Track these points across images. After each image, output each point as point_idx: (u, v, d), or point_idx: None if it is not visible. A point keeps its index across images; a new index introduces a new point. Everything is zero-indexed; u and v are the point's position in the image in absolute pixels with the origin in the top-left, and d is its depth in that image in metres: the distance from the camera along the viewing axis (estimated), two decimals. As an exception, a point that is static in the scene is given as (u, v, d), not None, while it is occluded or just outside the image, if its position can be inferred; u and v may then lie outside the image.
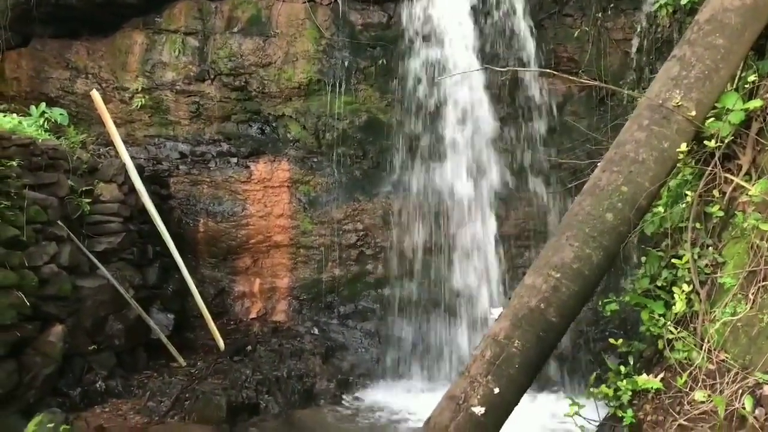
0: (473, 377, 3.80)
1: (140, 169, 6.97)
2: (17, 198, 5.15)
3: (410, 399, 6.37)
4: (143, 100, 8.04)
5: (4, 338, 4.83)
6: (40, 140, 5.80)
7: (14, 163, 5.19)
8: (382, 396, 6.54)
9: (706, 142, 3.58)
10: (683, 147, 3.52)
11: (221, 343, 6.89)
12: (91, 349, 5.83)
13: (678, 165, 3.67)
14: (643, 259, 4.00)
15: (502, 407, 3.72)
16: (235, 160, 7.91)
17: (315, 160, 7.95)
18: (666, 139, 3.65)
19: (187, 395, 5.74)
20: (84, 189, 6.21)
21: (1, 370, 4.79)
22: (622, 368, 3.74)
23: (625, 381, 3.60)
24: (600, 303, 4.23)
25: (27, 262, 5.17)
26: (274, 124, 8.08)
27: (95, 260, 6.08)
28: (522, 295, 3.87)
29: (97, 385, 5.73)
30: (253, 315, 7.72)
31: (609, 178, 3.87)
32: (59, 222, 5.76)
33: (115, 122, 7.20)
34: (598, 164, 3.95)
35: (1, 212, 4.90)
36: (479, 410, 3.69)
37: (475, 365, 3.86)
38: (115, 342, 6.09)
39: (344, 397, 6.43)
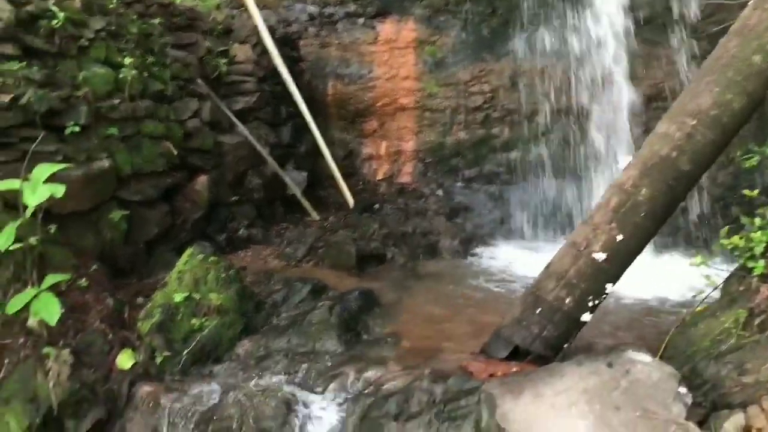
0: (596, 224, 3.80)
1: (271, 31, 7.14)
2: (161, 55, 5.48)
3: (533, 258, 6.46)
4: (273, -38, 8.10)
5: (157, 183, 5.37)
6: (178, 1, 6.06)
7: (156, 22, 5.49)
8: (503, 254, 6.66)
9: None
10: None
11: (351, 201, 7.21)
12: (233, 200, 6.31)
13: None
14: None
15: (624, 254, 3.72)
16: (361, 20, 7.90)
17: (441, 19, 7.78)
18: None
19: (320, 244, 6.16)
20: (220, 50, 6.49)
21: (157, 211, 5.37)
22: (757, 221, 3.60)
23: (759, 233, 3.47)
24: (739, 160, 4.02)
25: (173, 115, 5.58)
26: (400, -18, 7.93)
27: (234, 118, 6.44)
28: (653, 143, 3.75)
29: (240, 233, 6.25)
30: (380, 176, 7.96)
31: (761, 17, 3.56)
32: (199, 80, 6.10)
33: (246, -16, 7.34)
34: (749, 2, 3.63)
35: (148, 67, 5.26)
36: (600, 256, 3.71)
37: (599, 213, 3.85)
38: (254, 195, 6.54)
39: (467, 253, 6.62)
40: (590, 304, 3.72)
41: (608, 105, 7.13)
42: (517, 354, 3.87)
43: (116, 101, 5.02)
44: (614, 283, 3.74)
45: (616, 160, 6.99)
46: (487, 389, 2.99)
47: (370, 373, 3.97)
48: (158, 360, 4.23)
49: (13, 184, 3.78)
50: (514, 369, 3.54)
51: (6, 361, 3.96)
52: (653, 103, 7.10)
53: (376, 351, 4.32)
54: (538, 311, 3.82)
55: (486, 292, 5.49)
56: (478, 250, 6.80)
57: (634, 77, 7.08)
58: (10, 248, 3.92)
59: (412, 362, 4.10)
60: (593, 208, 3.91)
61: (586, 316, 3.75)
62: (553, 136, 7.38)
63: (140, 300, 4.68)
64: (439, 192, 7.66)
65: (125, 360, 4.22)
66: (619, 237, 3.64)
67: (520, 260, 6.39)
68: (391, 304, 5.07)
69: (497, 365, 3.78)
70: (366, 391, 3.84)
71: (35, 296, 3.91)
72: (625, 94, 7.06)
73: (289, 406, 3.81)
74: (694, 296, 3.88)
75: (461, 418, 3.48)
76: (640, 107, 7.07)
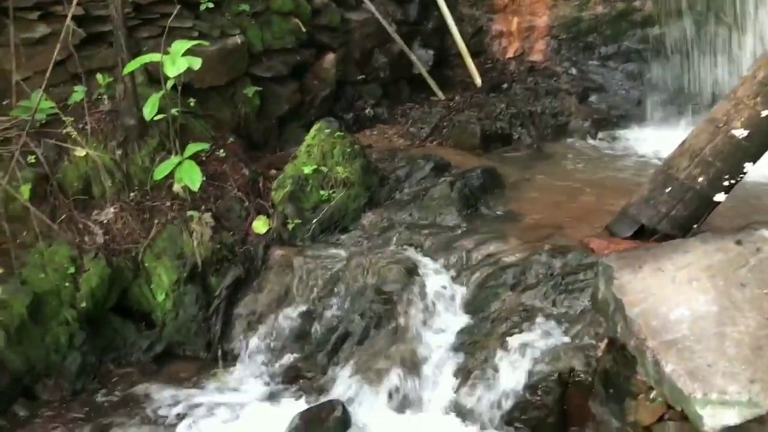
0: (739, 99, 3.54)
1: None
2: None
3: (668, 140, 6.11)
4: None
5: (287, 60, 5.52)
6: None
7: None
8: (637, 136, 6.35)
9: None
10: None
11: (478, 80, 7.05)
12: (360, 78, 6.36)
13: None
14: None
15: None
16: None
17: None
18: None
19: (444, 123, 6.14)
20: None
21: (287, 87, 5.57)
22: None
23: None
24: None
25: (301, -8, 5.64)
26: None
27: (360, -6, 6.38)
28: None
29: (366, 112, 6.34)
30: (509, 54, 7.68)
31: None
32: (326, -45, 6.05)
33: None
34: None
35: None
36: (741, 133, 3.48)
37: (743, 87, 3.57)
38: (381, 74, 6.56)
39: (597, 134, 6.37)
40: (725, 183, 3.52)
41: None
42: (642, 234, 3.78)
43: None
44: (754, 162, 3.50)
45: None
46: (606, 262, 2.96)
47: (489, 246, 4.05)
48: (290, 226, 4.52)
49: (154, 57, 4.02)
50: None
51: (156, 221, 4.39)
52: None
53: (496, 227, 4.36)
54: (667, 190, 3.67)
55: (614, 175, 5.30)
56: (610, 132, 6.51)
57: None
58: (155, 118, 4.23)
59: (531, 239, 4.12)
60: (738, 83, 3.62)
61: (719, 197, 3.56)
62: (701, 8, 6.73)
63: (273, 172, 4.95)
64: (573, 71, 7.29)
65: (260, 225, 4.54)
66: (764, 113, 3.37)
67: (653, 143, 6.07)
68: (514, 184, 5.04)
69: (620, 243, 3.71)
70: (484, 262, 3.93)
71: (179, 164, 4.23)
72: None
73: (410, 272, 3.98)
74: None
75: (578, 291, 3.51)
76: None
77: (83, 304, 4.06)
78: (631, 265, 2.91)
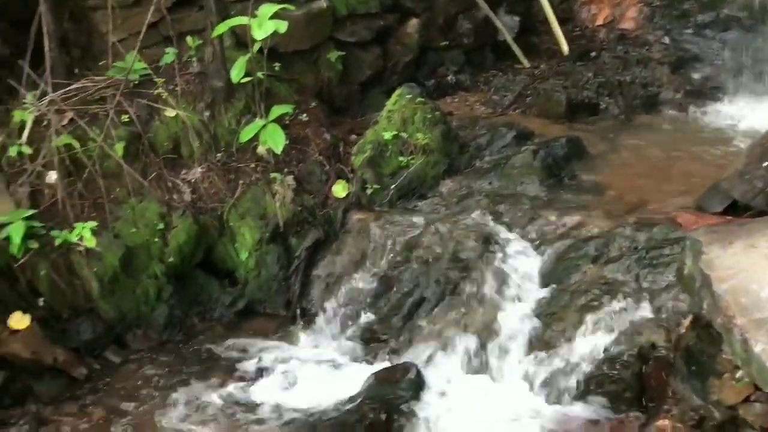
0: None
1: None
2: None
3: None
4: None
5: (370, 24, 5.51)
6: None
7: None
8: (732, 110, 6.02)
9: None
10: None
11: (565, 48, 6.83)
12: (443, 45, 6.28)
13: None
14: None
15: None
16: None
17: None
18: None
19: (528, 92, 6.01)
20: None
21: (370, 53, 5.57)
22: None
23: None
24: None
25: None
26: None
27: (445, -42, 6.27)
28: None
29: (448, 78, 6.26)
30: (599, 22, 7.40)
31: None
32: None
33: None
34: None
35: None
36: None
37: None
38: (464, 40, 6.45)
39: (689, 107, 6.08)
40: (829, 158, 3.32)
41: None
42: (733, 209, 3.62)
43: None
44: None
45: None
46: (694, 236, 2.85)
47: (571, 217, 3.97)
48: (368, 191, 4.56)
49: (242, 20, 4.09)
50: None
51: (240, 182, 4.51)
52: None
53: (579, 197, 4.26)
54: (765, 164, 3.49)
55: (705, 149, 5.05)
56: (703, 104, 6.20)
57: None
58: (242, 81, 4.33)
59: (615, 211, 4.01)
60: None
61: (822, 172, 3.37)
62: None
63: (353, 137, 4.98)
64: (666, 39, 6.96)
65: (340, 189, 4.60)
66: None
67: (750, 117, 5.75)
68: (600, 155, 4.90)
69: (709, 218, 3.57)
70: (565, 233, 3.86)
71: (263, 126, 4.33)
72: None
73: (487, 241, 3.96)
74: None
75: (663, 266, 3.40)
76: None
77: (171, 260, 4.24)
78: (721, 240, 2.79)
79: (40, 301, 3.95)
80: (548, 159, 4.52)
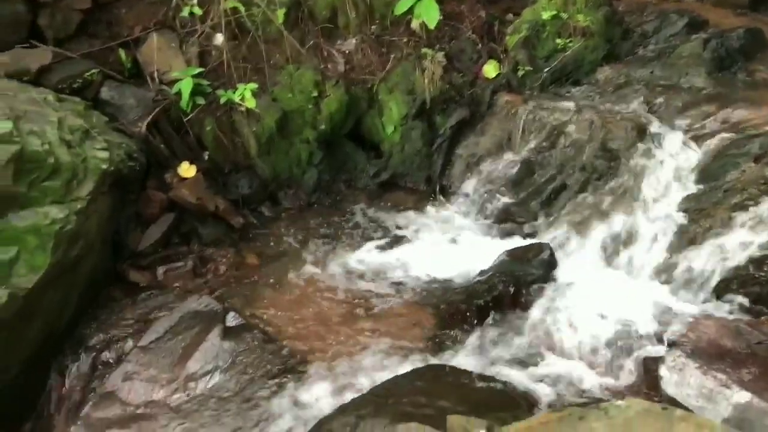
0: None
1: None
2: None
3: None
4: None
5: None
6: None
7: None
8: None
9: None
10: None
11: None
12: None
13: None
14: None
15: None
16: None
17: None
18: None
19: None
20: None
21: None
22: None
23: None
24: None
25: None
26: None
27: None
28: None
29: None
30: None
31: None
32: None
33: None
34: None
35: None
36: None
37: None
38: None
39: None
40: None
41: None
42: None
43: None
44: None
45: None
46: None
47: (737, 113, 3.70)
48: (520, 74, 4.46)
49: None
50: None
51: (392, 56, 4.55)
52: None
53: (749, 93, 3.94)
54: None
55: None
56: None
57: None
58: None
59: (790, 109, 3.67)
60: None
61: None
62: None
63: (510, 16, 4.83)
64: None
65: (490, 70, 4.53)
66: None
67: None
68: (784, 50, 4.44)
69: None
70: (727, 129, 3.61)
71: (419, 0, 4.27)
72: None
73: (641, 131, 3.78)
74: None
75: (835, 170, 3.11)
76: None
77: (322, 126, 4.43)
78: None
79: (206, 155, 4.31)
80: (720, 50, 4.18)
